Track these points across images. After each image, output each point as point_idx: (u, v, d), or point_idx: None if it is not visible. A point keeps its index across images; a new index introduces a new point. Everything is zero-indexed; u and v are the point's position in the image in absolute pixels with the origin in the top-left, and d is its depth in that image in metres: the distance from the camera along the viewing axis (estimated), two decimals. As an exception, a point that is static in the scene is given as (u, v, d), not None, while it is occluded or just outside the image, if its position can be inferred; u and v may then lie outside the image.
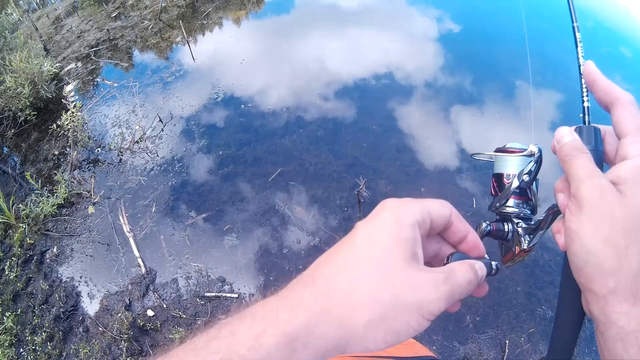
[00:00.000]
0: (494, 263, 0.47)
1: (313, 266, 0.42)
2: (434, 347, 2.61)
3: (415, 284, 0.38)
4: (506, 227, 0.59)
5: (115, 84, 4.28)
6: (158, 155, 3.56)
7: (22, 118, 4.03)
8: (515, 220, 0.59)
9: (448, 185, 3.33)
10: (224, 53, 4.56)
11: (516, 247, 0.58)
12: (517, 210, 0.59)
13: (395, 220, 0.41)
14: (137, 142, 3.67)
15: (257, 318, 0.37)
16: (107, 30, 5.08)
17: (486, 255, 0.48)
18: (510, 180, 0.60)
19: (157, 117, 3.85)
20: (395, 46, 4.58)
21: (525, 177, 0.57)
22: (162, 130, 3.75)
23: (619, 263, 0.38)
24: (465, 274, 0.42)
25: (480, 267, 0.44)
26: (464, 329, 2.68)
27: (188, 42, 4.67)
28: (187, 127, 3.77)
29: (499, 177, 0.63)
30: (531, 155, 0.59)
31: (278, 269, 2.86)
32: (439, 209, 0.44)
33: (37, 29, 5.42)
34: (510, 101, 4.07)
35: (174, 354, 0.36)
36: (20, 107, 3.98)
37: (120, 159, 3.57)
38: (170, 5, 5.35)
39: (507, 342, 2.64)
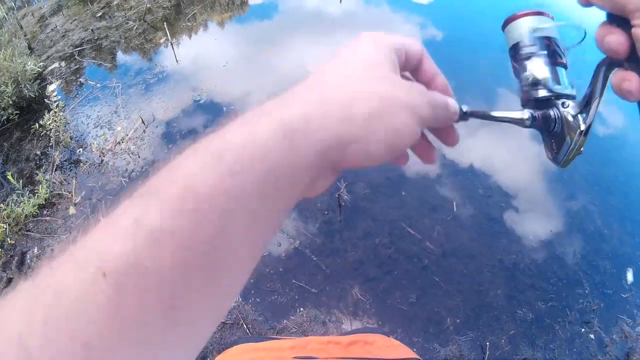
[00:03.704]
0: (463, 106, 0.44)
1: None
2: (415, 349, 2.62)
3: (403, 86, 0.37)
4: (552, 112, 0.47)
5: (99, 85, 4.26)
6: (140, 157, 3.54)
7: (5, 117, 4.00)
8: (559, 102, 0.47)
9: (429, 190, 3.36)
10: (207, 56, 4.54)
11: (570, 133, 0.46)
12: (554, 83, 0.47)
13: (374, 43, 0.39)
14: (119, 143, 3.66)
15: (249, 116, 0.33)
16: (92, 30, 5.04)
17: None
18: (531, 43, 0.48)
19: (140, 118, 3.84)
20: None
21: (546, 32, 0.47)
22: (144, 131, 3.74)
23: None
24: (442, 96, 0.41)
25: (452, 102, 0.42)
26: (444, 330, 2.72)
27: (172, 44, 4.65)
28: (169, 129, 3.76)
29: (515, 49, 0.49)
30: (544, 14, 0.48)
31: (258, 272, 2.87)
32: (412, 43, 0.42)
33: (21, 28, 5.38)
34: (492, 105, 4.11)
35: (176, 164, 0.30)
36: (2, 106, 3.95)
37: (102, 160, 3.55)
38: (155, 6, 5.31)
39: (487, 344, 2.67)
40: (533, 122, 0.47)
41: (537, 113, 0.47)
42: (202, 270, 0.26)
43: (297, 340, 1.04)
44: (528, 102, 0.49)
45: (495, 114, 0.48)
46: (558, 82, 0.47)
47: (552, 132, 0.48)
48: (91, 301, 0.23)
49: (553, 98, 0.47)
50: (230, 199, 0.27)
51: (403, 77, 0.40)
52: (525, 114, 0.47)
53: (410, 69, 0.43)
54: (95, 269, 0.23)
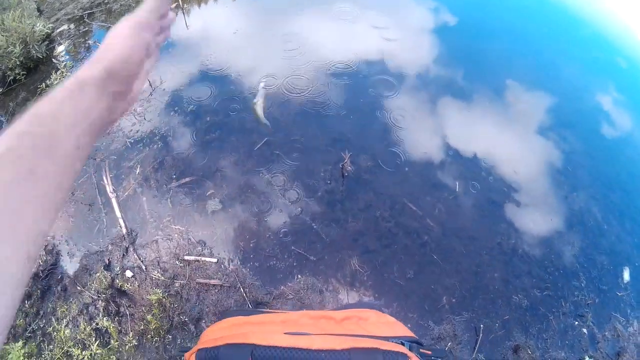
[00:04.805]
0: None
1: None
2: (409, 325, 2.64)
3: (129, 26, 0.63)
4: None
5: (107, 47, 4.24)
6: (145, 119, 3.53)
7: (11, 77, 4.00)
8: None
9: (432, 168, 3.35)
10: (218, 23, 4.51)
11: None
12: None
13: (123, 20, 0.64)
14: (126, 105, 3.63)
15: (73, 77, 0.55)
16: (103, -6, 5.02)
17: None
18: None
19: (147, 80, 3.79)
20: (391, 30, 4.56)
21: None
22: (151, 94, 3.73)
23: None
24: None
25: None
26: (439, 309, 2.74)
27: (183, 10, 4.62)
28: (176, 92, 3.74)
29: None
30: None
31: (258, 236, 2.89)
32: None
33: (31, -10, 5.35)
34: (500, 96, 4.10)
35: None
36: (10, 66, 3.96)
37: (108, 121, 3.53)
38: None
39: (481, 326, 2.70)
40: None
41: None
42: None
43: (288, 314, 1.04)
44: None
45: None
46: None
47: None
48: None
49: None
50: (57, 116, 0.50)
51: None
52: None
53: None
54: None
